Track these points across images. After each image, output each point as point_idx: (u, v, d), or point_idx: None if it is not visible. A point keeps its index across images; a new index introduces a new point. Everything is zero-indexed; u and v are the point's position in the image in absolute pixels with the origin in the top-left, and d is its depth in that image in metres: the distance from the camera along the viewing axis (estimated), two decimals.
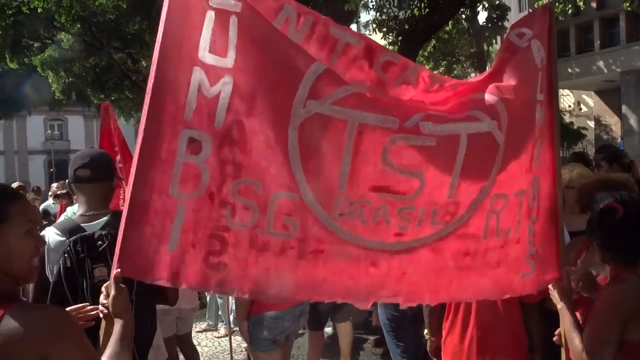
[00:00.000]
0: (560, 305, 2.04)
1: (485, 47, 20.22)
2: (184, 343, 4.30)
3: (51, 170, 34.11)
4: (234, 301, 3.87)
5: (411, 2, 11.80)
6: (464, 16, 16.22)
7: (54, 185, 7.57)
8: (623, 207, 1.92)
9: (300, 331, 4.06)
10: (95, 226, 2.25)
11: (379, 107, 1.82)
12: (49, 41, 15.67)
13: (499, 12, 19.29)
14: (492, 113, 1.90)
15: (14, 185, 7.44)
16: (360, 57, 1.91)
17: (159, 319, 2.54)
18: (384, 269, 1.87)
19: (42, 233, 2.20)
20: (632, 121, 21.15)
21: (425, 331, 3.21)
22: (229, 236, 1.74)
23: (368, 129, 1.78)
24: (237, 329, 3.78)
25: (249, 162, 1.74)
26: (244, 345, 4.52)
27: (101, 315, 1.71)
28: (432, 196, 1.87)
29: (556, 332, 2.13)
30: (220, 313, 6.14)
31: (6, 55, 13.30)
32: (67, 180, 2.44)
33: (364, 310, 4.93)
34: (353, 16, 11.65)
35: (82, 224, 2.27)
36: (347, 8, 9.00)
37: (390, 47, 12.43)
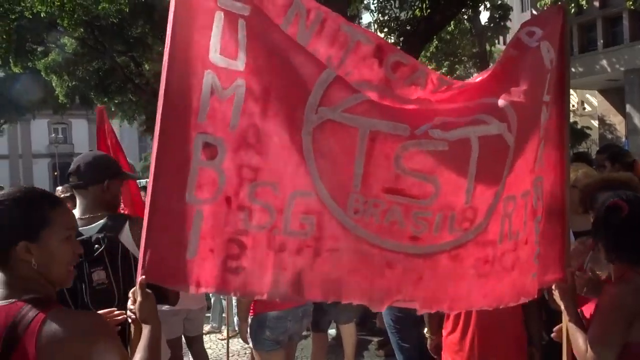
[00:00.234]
0: (563, 306, 2.03)
1: (487, 47, 20.19)
2: (195, 346, 4.22)
3: (55, 173, 34.19)
4: (235, 303, 3.86)
5: (412, 3, 11.77)
6: (465, 16, 16.19)
7: (59, 188, 7.51)
8: (628, 205, 1.91)
9: (304, 333, 4.05)
10: (91, 230, 2.25)
11: (390, 114, 1.82)
12: (53, 45, 15.74)
13: (501, 12, 19.28)
14: (501, 116, 1.89)
15: None
16: (370, 55, 1.90)
17: (165, 319, 2.52)
18: (399, 270, 1.87)
19: None
20: (637, 120, 21.07)
21: (425, 329, 3.20)
22: (246, 239, 1.75)
23: (380, 135, 1.79)
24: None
25: (265, 164, 1.75)
26: (248, 346, 4.52)
27: (129, 321, 1.74)
28: (449, 202, 1.86)
29: (555, 329, 2.12)
30: (224, 315, 6.14)
31: (10, 60, 13.33)
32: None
33: (364, 309, 4.91)
34: (354, 20, 11.66)
35: (79, 228, 2.26)
36: (349, 13, 9.01)
37: None
